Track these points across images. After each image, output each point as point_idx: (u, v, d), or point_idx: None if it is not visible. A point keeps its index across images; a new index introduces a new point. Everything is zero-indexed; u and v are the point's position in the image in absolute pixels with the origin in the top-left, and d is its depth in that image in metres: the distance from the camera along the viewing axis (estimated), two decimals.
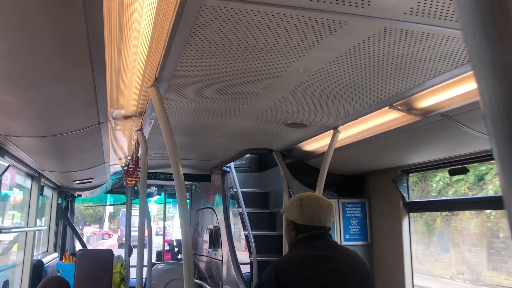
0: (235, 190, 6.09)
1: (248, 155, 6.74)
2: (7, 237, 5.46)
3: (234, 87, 2.67)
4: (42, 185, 5.89)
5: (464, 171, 3.73)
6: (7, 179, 4.43)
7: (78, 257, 6.04)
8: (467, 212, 5.68)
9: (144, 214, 3.72)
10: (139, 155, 4.41)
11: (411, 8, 1.65)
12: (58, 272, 6.16)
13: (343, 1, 1.60)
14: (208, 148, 5.06)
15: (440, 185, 5.96)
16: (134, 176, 4.63)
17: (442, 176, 5.55)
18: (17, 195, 5.59)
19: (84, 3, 1.49)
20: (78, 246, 8.60)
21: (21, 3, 1.46)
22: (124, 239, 7.12)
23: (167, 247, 9.59)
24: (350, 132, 3.71)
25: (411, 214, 4.55)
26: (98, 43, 1.83)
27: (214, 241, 6.56)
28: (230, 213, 6.46)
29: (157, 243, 10.34)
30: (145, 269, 5.40)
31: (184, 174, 2.52)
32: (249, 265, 5.75)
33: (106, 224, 40.20)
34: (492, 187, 5.16)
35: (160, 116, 2.43)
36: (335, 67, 2.30)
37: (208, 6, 1.65)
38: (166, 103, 2.93)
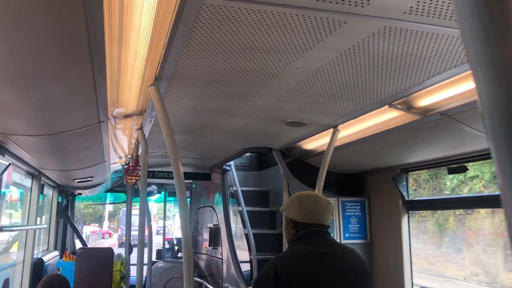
0: (235, 188, 6.10)
1: (248, 154, 6.75)
2: (6, 236, 5.47)
3: (234, 86, 2.67)
4: (42, 183, 5.90)
5: (463, 169, 3.74)
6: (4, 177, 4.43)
7: (79, 256, 6.04)
8: (482, 211, 5.53)
9: (144, 213, 3.73)
10: (139, 154, 4.42)
11: (411, 7, 1.65)
12: (59, 270, 6.16)
13: (343, 0, 1.61)
14: (208, 147, 5.07)
15: (454, 183, 5.80)
16: (134, 174, 4.64)
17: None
18: (14, 193, 5.58)
19: (84, 2, 1.49)
20: (79, 245, 8.62)
21: (21, 2, 1.46)
22: (124, 238, 7.13)
23: (167, 245, 9.61)
24: (349, 131, 3.72)
25: (422, 213, 4.50)
26: (98, 42, 1.84)
27: (214, 240, 6.58)
28: (231, 211, 6.48)
29: (157, 242, 10.35)
30: (145, 267, 5.41)
31: (184, 172, 2.53)
32: (249, 264, 5.77)
33: (105, 223, 40.03)
34: None
35: (160, 115, 2.43)
36: (335, 66, 2.31)
37: (208, 5, 1.66)
38: (166, 102, 2.94)
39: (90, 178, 6.29)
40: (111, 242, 30.02)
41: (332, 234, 4.80)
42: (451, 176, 5.37)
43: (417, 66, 2.26)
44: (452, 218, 6.21)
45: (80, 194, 9.05)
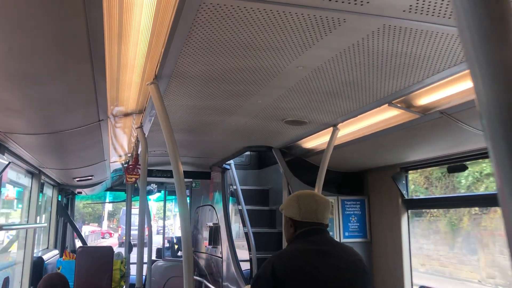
0: (234, 187, 6.10)
1: (248, 153, 6.75)
2: (5, 236, 5.47)
3: (233, 84, 2.68)
4: (42, 182, 5.90)
5: (463, 168, 3.74)
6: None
7: (79, 254, 6.05)
8: (500, 210, 5.39)
9: (144, 211, 3.73)
10: (139, 153, 4.42)
11: (410, 5, 1.65)
12: (59, 269, 6.17)
13: None
14: (208, 146, 5.07)
15: (469, 181, 5.65)
16: (134, 173, 4.64)
17: (471, 170, 5.12)
18: (10, 192, 5.58)
19: (84, 1, 1.49)
20: (79, 243, 8.62)
21: (21, 1, 1.46)
22: (124, 238, 7.14)
23: (166, 244, 9.61)
24: (349, 129, 3.72)
25: (434, 213, 4.47)
26: (98, 40, 1.84)
27: (214, 238, 6.58)
28: (231, 210, 6.48)
29: (158, 242, 10.34)
30: (145, 266, 5.41)
31: (184, 171, 2.53)
32: (248, 262, 5.77)
33: (105, 223, 39.80)
34: None
35: (160, 113, 2.43)
36: (334, 64, 2.31)
37: (207, 3, 1.66)
38: (166, 100, 2.94)
39: (90, 177, 6.30)
40: (111, 242, 29.77)
41: (331, 233, 4.85)
42: (465, 173, 5.30)
43: (416, 65, 2.26)
44: (466, 217, 6.01)
45: (80, 193, 9.05)
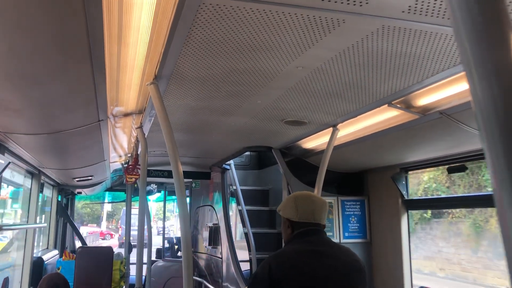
0: (234, 187, 6.10)
1: (247, 153, 6.75)
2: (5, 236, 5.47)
3: (233, 85, 2.68)
4: (42, 182, 5.90)
5: (463, 169, 3.74)
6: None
7: (78, 254, 6.05)
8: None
9: (144, 211, 3.73)
10: (138, 153, 4.42)
11: (409, 6, 1.65)
12: (58, 269, 6.17)
13: None
14: (207, 146, 5.07)
15: None
16: (134, 173, 4.64)
17: None
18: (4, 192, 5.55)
19: (84, 1, 1.50)
20: (78, 243, 8.62)
21: (21, 2, 1.47)
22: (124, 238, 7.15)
23: (166, 245, 9.61)
24: (349, 130, 3.72)
25: (456, 213, 4.40)
26: (97, 41, 1.84)
27: (214, 239, 6.58)
28: (231, 211, 6.48)
29: (157, 243, 10.33)
30: (144, 267, 5.42)
31: (184, 171, 2.54)
32: (248, 263, 5.77)
33: (104, 223, 39.46)
34: None
35: (160, 113, 2.44)
36: (333, 65, 2.31)
37: (207, 4, 1.66)
38: (166, 100, 2.94)
39: (90, 177, 6.30)
40: (111, 243, 29.38)
41: (331, 234, 4.85)
42: None
43: (416, 65, 2.26)
44: (494, 219, 5.76)
45: (80, 193, 9.06)
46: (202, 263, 7.46)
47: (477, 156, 3.61)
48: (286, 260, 2.13)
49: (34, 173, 5.32)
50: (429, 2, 1.62)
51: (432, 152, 3.90)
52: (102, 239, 32.57)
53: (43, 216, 7.47)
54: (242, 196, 5.96)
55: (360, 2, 1.63)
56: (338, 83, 2.60)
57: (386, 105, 2.95)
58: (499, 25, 0.60)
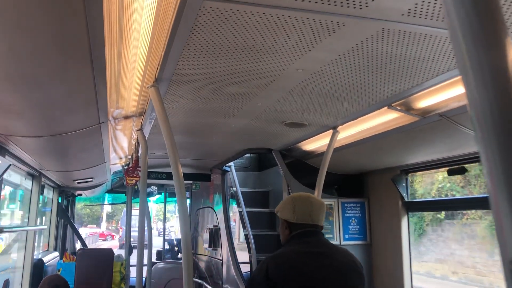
0: (235, 189, 6.10)
1: (248, 155, 6.75)
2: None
3: (233, 87, 2.68)
4: (43, 184, 5.91)
5: (463, 171, 3.75)
6: None
7: (79, 256, 6.05)
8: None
9: (144, 213, 3.73)
10: (139, 155, 4.43)
11: (409, 9, 1.66)
12: (59, 271, 6.17)
13: (341, 2, 1.62)
14: (208, 148, 5.08)
15: None
16: (134, 175, 4.64)
17: None
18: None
19: (84, 3, 1.50)
20: (79, 245, 8.62)
21: (22, 3, 1.47)
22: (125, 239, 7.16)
23: (167, 246, 9.61)
24: (349, 132, 3.73)
25: (470, 215, 4.35)
26: (98, 43, 1.85)
27: (214, 241, 6.58)
28: (231, 212, 6.48)
29: (158, 245, 10.33)
30: (145, 268, 5.41)
31: (184, 173, 2.54)
32: (248, 265, 5.77)
33: (103, 224, 39.22)
34: None
35: (160, 116, 2.44)
36: (334, 67, 2.32)
37: (207, 7, 1.67)
38: (166, 103, 2.95)
39: (90, 179, 6.30)
40: (112, 244, 29.11)
41: (331, 235, 4.84)
42: None
43: (416, 68, 2.27)
44: None
45: (81, 194, 9.06)
46: (202, 265, 7.45)
47: (477, 158, 3.61)
48: (284, 261, 2.13)
49: (35, 175, 5.32)
50: (428, 6, 1.63)
51: (432, 154, 3.90)
52: (103, 240, 32.31)
53: (44, 218, 7.47)
54: (242, 198, 5.97)
55: (360, 5, 1.64)
56: (338, 85, 2.61)
57: (386, 107, 2.95)
58: (495, 29, 0.61)
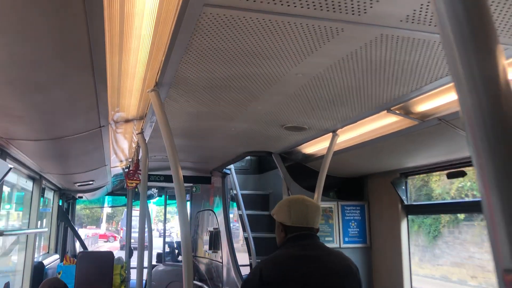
0: (235, 192, 6.11)
1: (248, 157, 6.76)
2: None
3: (233, 91, 2.70)
4: (43, 187, 5.92)
5: (462, 174, 3.76)
6: None
7: (79, 259, 6.06)
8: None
9: (145, 216, 3.74)
10: (139, 158, 4.44)
11: (407, 15, 1.68)
12: (59, 274, 6.18)
13: (340, 9, 1.63)
14: (208, 151, 5.09)
15: None
16: (135, 178, 4.66)
17: None
18: None
19: (85, 10, 1.52)
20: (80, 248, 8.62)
21: (24, 10, 1.49)
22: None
23: (167, 249, 9.61)
24: (349, 135, 3.74)
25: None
26: (99, 48, 1.87)
27: (214, 243, 6.59)
28: (231, 215, 6.48)
29: (158, 247, 10.33)
30: (145, 271, 5.42)
31: (184, 176, 2.55)
32: (249, 267, 5.77)
33: (103, 225, 38.99)
34: None
35: (161, 120, 2.46)
36: (333, 72, 2.33)
37: (207, 13, 1.68)
38: (167, 107, 2.96)
39: (91, 182, 6.32)
40: (113, 245, 28.85)
41: (331, 238, 4.85)
42: None
43: (414, 73, 2.28)
44: None
45: (81, 197, 9.07)
46: (202, 267, 7.46)
47: None
48: (277, 265, 2.14)
49: (36, 178, 5.33)
50: (426, 12, 1.64)
51: (432, 158, 3.92)
52: (105, 242, 32.07)
53: (44, 220, 7.47)
54: (242, 201, 5.97)
55: (359, 12, 1.65)
56: (337, 89, 2.62)
57: (385, 111, 2.97)
58: (486, 35, 0.62)
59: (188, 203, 8.31)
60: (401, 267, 4.49)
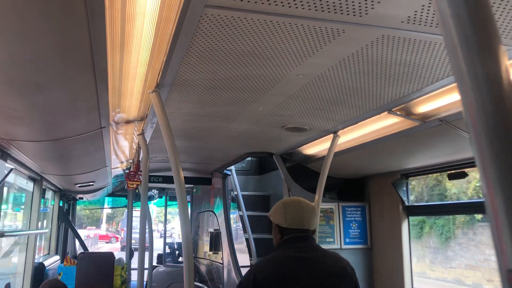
0: (235, 193, 6.11)
1: (249, 158, 6.76)
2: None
3: (234, 92, 2.70)
4: (44, 188, 5.92)
5: (463, 175, 3.75)
6: None
7: (79, 260, 6.05)
8: None
9: (145, 217, 3.74)
10: (140, 159, 4.44)
11: (408, 17, 1.68)
12: (60, 275, 6.17)
13: (341, 10, 1.63)
14: (209, 152, 5.09)
15: None
16: (136, 179, 4.65)
17: None
18: None
19: (87, 11, 1.52)
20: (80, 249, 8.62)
21: (25, 10, 1.49)
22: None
23: (168, 250, 9.61)
24: (349, 136, 3.74)
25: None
26: (100, 49, 1.86)
27: (215, 244, 6.58)
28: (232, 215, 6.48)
29: (158, 248, 10.33)
30: (146, 272, 5.42)
31: (185, 177, 2.55)
32: (249, 268, 5.76)
33: (103, 226, 38.86)
34: None
35: (161, 121, 2.46)
36: (334, 73, 2.33)
37: (208, 14, 1.68)
38: (167, 108, 2.96)
39: (92, 183, 6.32)
40: (114, 246, 28.62)
41: (332, 239, 4.85)
42: None
43: (416, 73, 2.28)
44: None
45: (82, 198, 9.07)
46: (203, 268, 7.45)
47: None
48: (271, 268, 2.14)
49: (36, 179, 5.33)
50: (428, 13, 1.64)
51: (433, 159, 3.91)
52: (107, 242, 31.89)
53: (45, 221, 7.48)
54: (243, 202, 5.97)
55: (360, 13, 1.65)
56: (338, 90, 2.62)
57: (386, 112, 2.96)
58: (488, 36, 0.62)
59: (189, 204, 8.31)
60: (402, 268, 4.48)
